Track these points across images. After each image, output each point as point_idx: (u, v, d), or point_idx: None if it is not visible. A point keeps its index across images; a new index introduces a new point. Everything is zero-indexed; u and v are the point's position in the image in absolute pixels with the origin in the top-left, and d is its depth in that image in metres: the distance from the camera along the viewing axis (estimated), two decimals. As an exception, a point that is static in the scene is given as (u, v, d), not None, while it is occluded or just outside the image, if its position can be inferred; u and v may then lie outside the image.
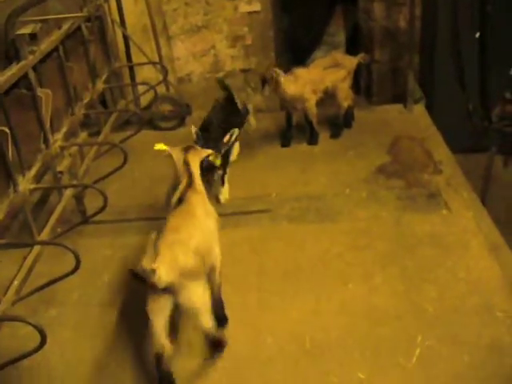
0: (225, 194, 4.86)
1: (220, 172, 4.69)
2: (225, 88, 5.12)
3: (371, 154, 5.29)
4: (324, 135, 5.66)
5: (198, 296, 3.06)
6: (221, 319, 3.48)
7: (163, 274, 2.84)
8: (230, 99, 5.03)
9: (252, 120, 5.44)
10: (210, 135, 4.47)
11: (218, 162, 4.19)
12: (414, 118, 5.88)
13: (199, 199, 3.44)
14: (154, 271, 2.81)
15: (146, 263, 2.87)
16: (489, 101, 4.67)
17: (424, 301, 3.65)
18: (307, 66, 5.61)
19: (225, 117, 4.73)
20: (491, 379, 3.13)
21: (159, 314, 3.00)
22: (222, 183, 4.83)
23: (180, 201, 3.36)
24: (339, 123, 5.70)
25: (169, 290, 2.92)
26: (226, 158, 4.66)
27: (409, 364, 3.23)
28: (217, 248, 3.50)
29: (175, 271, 2.92)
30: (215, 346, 3.33)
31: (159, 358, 3.03)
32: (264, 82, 5.19)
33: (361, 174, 5.02)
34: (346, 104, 5.62)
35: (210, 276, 3.41)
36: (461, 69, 4.81)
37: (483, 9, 4.23)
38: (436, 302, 3.63)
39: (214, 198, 4.80)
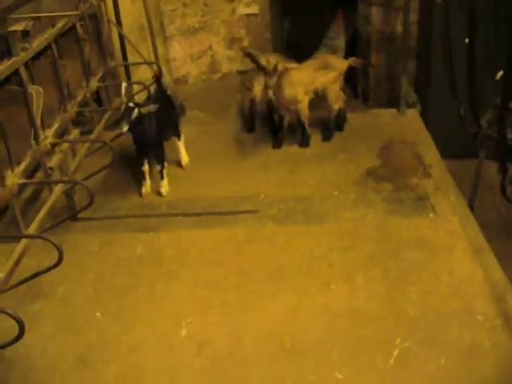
0: (165, 186, 5.04)
1: (159, 167, 4.97)
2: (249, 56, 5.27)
3: (362, 157, 5.31)
4: (316, 137, 5.68)
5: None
6: None
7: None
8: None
9: (183, 155, 5.45)
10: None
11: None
12: (407, 122, 5.90)
13: None
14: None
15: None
16: (478, 107, 4.68)
17: (405, 303, 3.66)
18: (299, 66, 5.60)
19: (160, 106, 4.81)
20: (466, 381, 3.14)
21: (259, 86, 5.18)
22: (162, 177, 5.03)
23: None
24: (330, 126, 5.72)
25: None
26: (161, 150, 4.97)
27: (386, 365, 3.25)
28: None
29: None
30: None
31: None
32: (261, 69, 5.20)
33: (350, 176, 5.04)
34: (336, 106, 5.64)
35: None
36: (452, 74, 4.83)
37: (472, 15, 4.25)
38: (417, 305, 3.64)
39: (156, 192, 5.02)
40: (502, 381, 3.19)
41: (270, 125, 5.71)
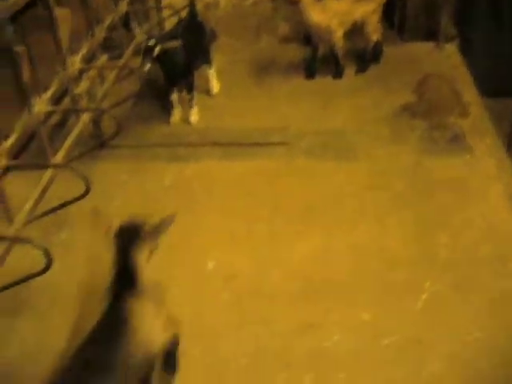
0: (195, 115, 4.94)
1: (188, 96, 4.87)
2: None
3: (397, 91, 5.13)
4: (350, 69, 5.50)
5: None
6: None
7: None
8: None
9: (214, 84, 5.30)
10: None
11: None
12: (445, 58, 5.67)
13: None
14: None
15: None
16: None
17: (436, 246, 3.59)
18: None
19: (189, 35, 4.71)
20: (494, 328, 3.09)
21: None
22: (191, 106, 4.93)
23: None
24: (366, 58, 5.53)
25: None
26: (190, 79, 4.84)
27: (414, 308, 3.21)
28: None
29: None
30: None
31: None
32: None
33: (384, 111, 4.89)
34: (374, 38, 5.44)
35: None
36: (498, 7, 4.59)
37: None
38: (448, 248, 3.57)
39: (185, 121, 4.94)
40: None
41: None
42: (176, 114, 4.96)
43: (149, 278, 2.48)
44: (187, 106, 4.92)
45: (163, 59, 4.46)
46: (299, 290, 3.36)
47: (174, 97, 4.88)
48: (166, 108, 5.02)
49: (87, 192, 3.31)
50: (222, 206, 4.00)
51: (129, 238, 2.48)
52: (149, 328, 2.43)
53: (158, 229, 2.56)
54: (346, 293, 3.33)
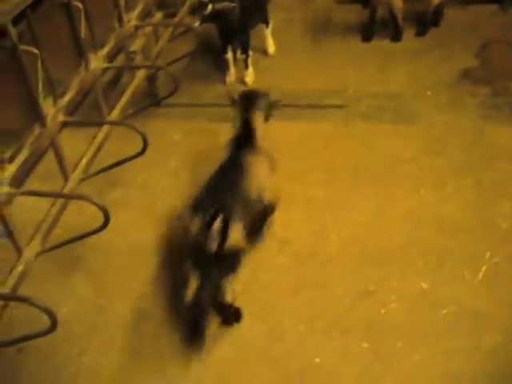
0: (250, 75, 4.88)
1: (243, 55, 4.80)
2: None
3: (458, 56, 4.95)
4: (409, 33, 5.31)
5: None
6: None
7: None
8: None
9: (270, 43, 5.18)
10: None
11: None
12: (510, 21, 5.43)
13: None
14: None
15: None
16: None
17: (497, 216, 3.48)
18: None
19: None
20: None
21: None
22: (246, 66, 4.84)
23: None
24: (426, 21, 5.32)
25: None
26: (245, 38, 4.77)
27: (474, 279, 3.13)
28: None
29: None
30: None
31: None
32: None
33: (444, 76, 4.72)
34: (436, 1, 5.23)
35: None
36: None
37: None
38: (509, 219, 3.46)
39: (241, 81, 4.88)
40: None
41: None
42: (232, 74, 4.89)
43: (263, 138, 3.18)
44: (243, 65, 4.83)
45: (218, 17, 4.38)
46: (356, 255, 3.32)
47: (229, 56, 4.80)
48: (222, 68, 4.95)
49: (145, 149, 3.28)
50: (280, 167, 3.92)
51: (249, 102, 3.24)
52: (261, 178, 3.11)
53: (271, 102, 3.34)
54: (403, 260, 3.26)
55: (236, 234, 2.78)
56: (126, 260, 3.45)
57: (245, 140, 3.15)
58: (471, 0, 5.80)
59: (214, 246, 2.70)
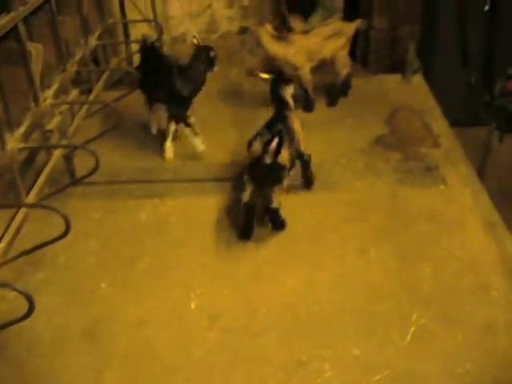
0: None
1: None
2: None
3: (369, 124, 5.18)
4: (320, 103, 5.52)
5: None
6: None
7: None
8: None
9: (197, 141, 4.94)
10: None
11: None
12: (413, 89, 5.77)
13: None
14: None
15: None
16: (492, 76, 4.57)
17: (419, 278, 3.59)
18: (307, 33, 5.40)
19: None
20: (484, 359, 3.08)
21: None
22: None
23: None
24: (336, 91, 5.56)
25: None
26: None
27: (403, 341, 3.18)
28: None
29: None
30: None
31: None
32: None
33: (358, 144, 4.91)
34: (344, 72, 5.48)
35: None
36: (465, 42, 4.70)
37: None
38: (431, 280, 3.57)
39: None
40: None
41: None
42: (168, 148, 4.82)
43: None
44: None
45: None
46: (288, 325, 3.31)
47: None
48: (141, 141, 4.96)
49: (67, 231, 3.20)
50: (202, 242, 3.93)
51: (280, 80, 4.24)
52: (298, 129, 4.12)
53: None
54: (334, 327, 3.29)
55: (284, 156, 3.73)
56: (51, 348, 3.28)
57: (282, 105, 4.14)
58: (374, 70, 6.14)
59: (268, 159, 3.64)
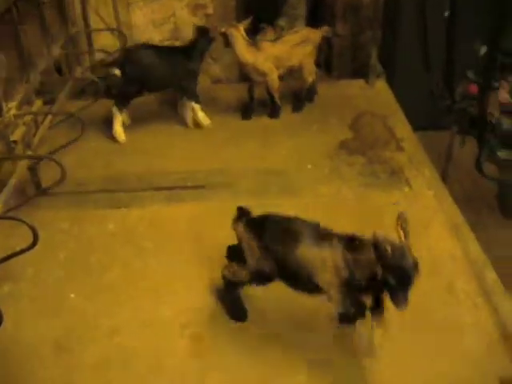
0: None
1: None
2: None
3: (333, 129, 5.25)
4: (286, 109, 5.57)
5: None
6: None
7: None
8: None
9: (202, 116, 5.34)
10: None
11: None
12: (376, 94, 5.85)
13: None
14: None
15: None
16: (453, 80, 4.67)
17: (386, 280, 3.63)
18: (275, 40, 5.43)
19: None
20: (451, 360, 3.14)
21: None
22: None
23: None
24: (302, 97, 5.63)
25: None
26: None
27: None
28: None
29: None
30: None
31: None
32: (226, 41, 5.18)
33: (323, 148, 4.97)
34: (310, 79, 5.54)
35: None
36: (426, 46, 4.79)
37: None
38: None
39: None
40: (484, 359, 3.19)
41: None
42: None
43: None
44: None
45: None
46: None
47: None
48: (104, 149, 4.95)
49: (35, 243, 3.18)
50: (170, 250, 3.92)
51: None
52: None
53: None
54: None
55: None
56: (21, 362, 3.24)
57: None
58: (337, 75, 6.22)
59: None
